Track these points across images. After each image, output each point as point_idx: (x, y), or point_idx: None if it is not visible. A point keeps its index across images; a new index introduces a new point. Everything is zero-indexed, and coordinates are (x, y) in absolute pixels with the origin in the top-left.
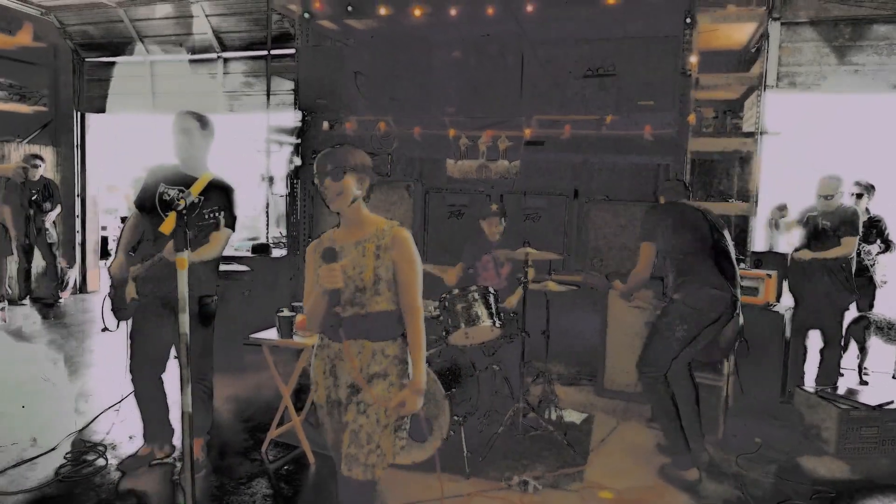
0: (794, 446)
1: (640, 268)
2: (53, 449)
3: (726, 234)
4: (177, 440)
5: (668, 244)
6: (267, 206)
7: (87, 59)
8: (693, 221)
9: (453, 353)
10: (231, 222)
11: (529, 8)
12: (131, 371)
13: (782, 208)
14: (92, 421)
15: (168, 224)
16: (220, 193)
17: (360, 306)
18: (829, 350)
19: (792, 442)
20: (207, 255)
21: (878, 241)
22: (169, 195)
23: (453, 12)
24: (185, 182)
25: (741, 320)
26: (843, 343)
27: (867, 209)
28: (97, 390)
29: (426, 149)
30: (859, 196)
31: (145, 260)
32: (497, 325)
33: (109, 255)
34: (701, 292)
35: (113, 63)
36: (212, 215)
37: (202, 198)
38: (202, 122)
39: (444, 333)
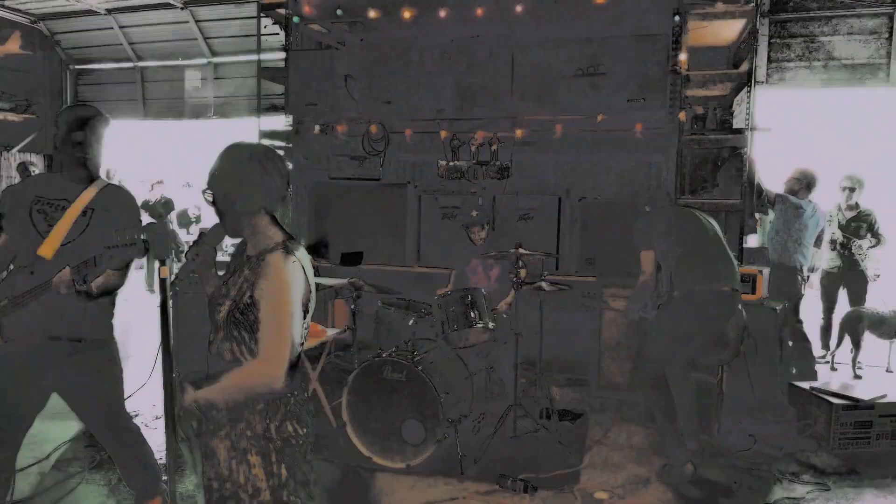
0: (788, 442)
1: (645, 277)
2: (46, 458)
3: (718, 229)
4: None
5: (662, 247)
6: None
7: (76, 67)
8: (684, 221)
9: (448, 354)
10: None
11: (518, 9)
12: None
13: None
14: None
15: (49, 246)
16: (121, 204)
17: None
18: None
19: (786, 438)
20: (111, 284)
21: (869, 236)
22: (44, 211)
23: (443, 14)
24: (70, 192)
25: (744, 316)
26: (837, 338)
27: (857, 203)
28: None
29: (418, 151)
30: (851, 190)
31: (16, 292)
32: (490, 327)
33: None
34: (697, 289)
35: (103, 70)
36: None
37: (93, 210)
38: (98, 118)
39: (437, 335)
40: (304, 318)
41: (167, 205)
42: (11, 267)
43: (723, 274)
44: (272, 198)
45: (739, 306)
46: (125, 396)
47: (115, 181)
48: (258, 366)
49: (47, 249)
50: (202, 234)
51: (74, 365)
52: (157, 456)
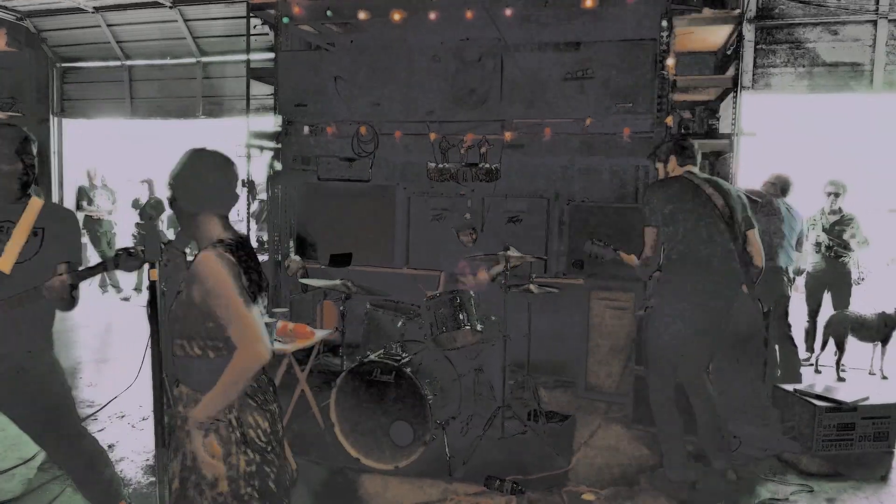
0: (772, 444)
1: (648, 254)
2: (31, 459)
3: (738, 207)
4: None
5: (664, 224)
6: (248, 211)
7: (63, 65)
8: (691, 197)
9: (436, 356)
10: (75, 255)
11: (508, 12)
12: None
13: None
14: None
15: (6, 262)
16: (60, 222)
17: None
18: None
19: (770, 440)
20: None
21: (853, 239)
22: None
23: (432, 16)
24: (10, 212)
25: (761, 308)
26: (822, 341)
27: (840, 208)
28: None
29: (407, 153)
30: (836, 196)
31: None
32: (478, 328)
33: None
34: (694, 277)
35: (90, 68)
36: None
37: (43, 230)
38: (32, 137)
39: (428, 338)
40: (255, 302)
41: (157, 206)
42: None
43: (730, 260)
44: (219, 200)
45: (744, 288)
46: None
47: (97, 181)
48: (241, 353)
49: (5, 265)
50: (171, 240)
51: (18, 378)
52: (144, 457)
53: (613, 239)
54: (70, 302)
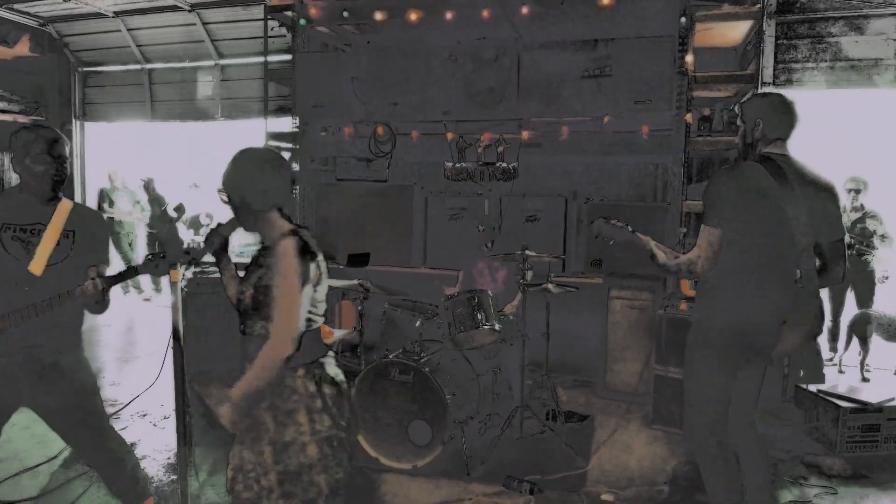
0: (795, 445)
1: (701, 259)
2: (56, 457)
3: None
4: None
5: (729, 229)
6: None
7: (85, 70)
8: (762, 194)
9: (454, 356)
10: (104, 258)
11: (525, 10)
12: None
13: None
14: None
15: (37, 265)
16: (90, 225)
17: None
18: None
19: (793, 441)
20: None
21: (876, 235)
22: (20, 238)
23: (449, 16)
24: (41, 214)
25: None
26: (845, 340)
27: (862, 205)
28: None
29: (424, 152)
30: (857, 192)
31: (15, 306)
32: (496, 328)
33: None
34: (743, 300)
35: (111, 72)
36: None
37: (74, 232)
38: (51, 142)
39: (444, 337)
40: (318, 288)
41: (179, 209)
42: None
43: (782, 273)
44: (281, 196)
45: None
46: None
47: (117, 183)
48: (274, 343)
49: (37, 268)
50: (219, 224)
51: (49, 376)
52: (166, 456)
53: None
54: (103, 305)
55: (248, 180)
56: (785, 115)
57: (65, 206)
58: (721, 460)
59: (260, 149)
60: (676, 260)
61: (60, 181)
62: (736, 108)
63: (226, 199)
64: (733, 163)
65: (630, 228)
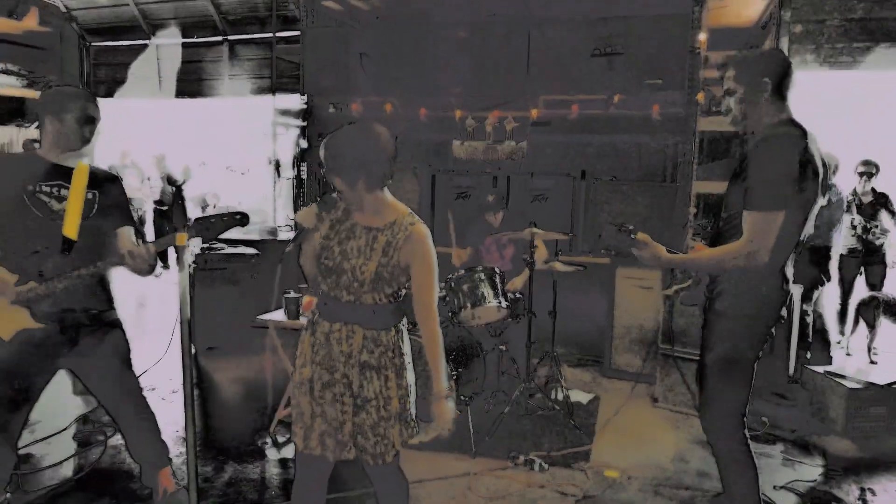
0: (801, 426)
1: (752, 248)
2: (65, 429)
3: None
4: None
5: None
6: (274, 189)
7: (93, 44)
8: (816, 172)
9: (460, 333)
10: (129, 219)
11: None
12: None
13: None
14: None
15: (71, 228)
16: (110, 185)
17: (356, 296)
18: None
19: (799, 421)
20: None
21: (889, 218)
22: (44, 199)
23: None
24: (59, 174)
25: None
26: (853, 323)
27: (873, 189)
28: None
29: (432, 130)
30: (868, 175)
31: (58, 271)
32: (503, 305)
33: None
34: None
35: (119, 47)
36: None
37: (95, 193)
38: (91, 99)
39: (450, 314)
40: None
41: (186, 172)
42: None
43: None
44: (388, 173)
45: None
46: (142, 371)
47: (128, 162)
48: (431, 322)
49: (70, 231)
50: (325, 194)
51: (88, 339)
52: (174, 429)
53: (640, 218)
54: (153, 267)
55: (360, 159)
56: (791, 72)
57: (83, 168)
58: (749, 455)
59: (373, 125)
60: (732, 259)
61: (89, 138)
62: (727, 71)
63: (333, 180)
64: (779, 135)
65: (631, 232)
